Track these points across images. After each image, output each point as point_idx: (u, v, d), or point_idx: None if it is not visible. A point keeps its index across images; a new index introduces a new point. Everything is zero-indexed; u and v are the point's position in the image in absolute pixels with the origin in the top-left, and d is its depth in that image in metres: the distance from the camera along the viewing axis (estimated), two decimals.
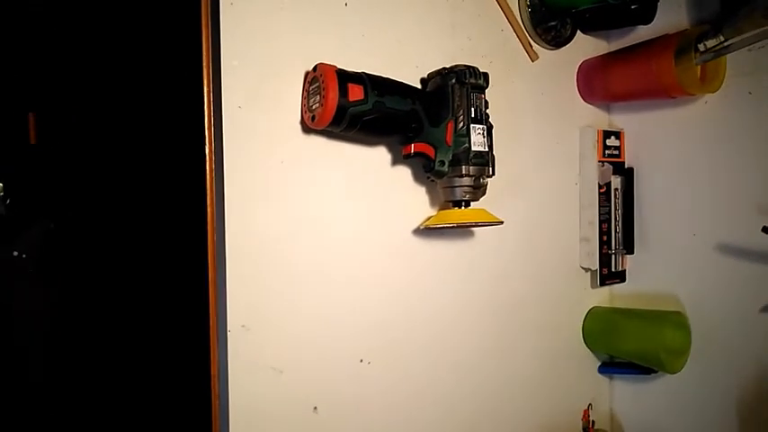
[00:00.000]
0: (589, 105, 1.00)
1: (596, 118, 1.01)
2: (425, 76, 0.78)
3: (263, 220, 0.66)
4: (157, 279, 1.11)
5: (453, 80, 0.73)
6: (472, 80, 0.73)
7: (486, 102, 0.75)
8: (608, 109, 1.03)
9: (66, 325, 1.21)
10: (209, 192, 0.64)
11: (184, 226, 0.76)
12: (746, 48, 0.79)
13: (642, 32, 0.95)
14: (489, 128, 0.75)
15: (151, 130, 1.12)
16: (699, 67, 0.86)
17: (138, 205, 1.16)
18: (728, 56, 0.84)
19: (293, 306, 0.68)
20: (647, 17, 0.92)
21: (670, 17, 0.93)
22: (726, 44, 0.79)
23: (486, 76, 0.75)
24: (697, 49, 0.81)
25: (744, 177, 0.88)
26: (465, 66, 0.74)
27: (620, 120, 1.03)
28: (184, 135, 0.69)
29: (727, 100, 0.89)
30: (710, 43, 0.80)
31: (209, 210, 0.64)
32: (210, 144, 0.64)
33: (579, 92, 0.99)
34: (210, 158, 0.64)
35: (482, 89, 0.75)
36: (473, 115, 0.73)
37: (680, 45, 0.83)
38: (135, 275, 1.16)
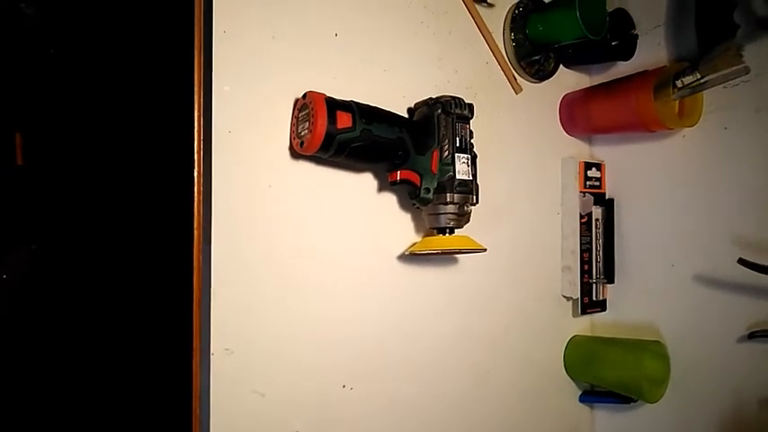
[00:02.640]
0: (571, 137, 1.03)
1: (578, 149, 1.04)
2: (412, 105, 0.79)
3: (250, 244, 0.67)
4: (142, 301, 1.10)
5: (439, 110, 0.75)
6: (458, 110, 0.75)
7: (471, 132, 0.77)
8: (590, 141, 1.06)
9: (47, 345, 1.19)
10: (196, 214, 0.65)
11: (170, 248, 0.76)
12: (722, 85, 0.82)
13: (623, 68, 0.98)
14: (474, 157, 0.77)
15: (140, 152, 1.13)
16: (677, 102, 0.88)
17: (123, 227, 1.16)
18: (705, 92, 0.87)
19: (277, 330, 0.69)
20: (627, 53, 0.96)
21: (649, 53, 0.97)
22: (702, 81, 0.82)
23: (471, 106, 0.77)
24: (675, 86, 0.84)
25: (721, 209, 0.91)
26: (451, 96, 0.76)
27: (602, 151, 1.05)
28: (173, 158, 0.70)
29: (704, 134, 0.92)
30: (688, 80, 0.83)
31: (195, 232, 0.65)
32: (199, 167, 0.65)
33: (562, 124, 1.01)
34: (199, 181, 0.65)
35: (467, 119, 0.77)
36: (458, 144, 0.75)
37: (659, 81, 0.86)
38: (118, 297, 1.15)
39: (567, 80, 1.01)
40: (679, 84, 0.83)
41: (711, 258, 0.91)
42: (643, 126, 0.90)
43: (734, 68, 0.77)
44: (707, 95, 0.90)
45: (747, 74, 0.76)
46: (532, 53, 0.94)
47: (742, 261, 0.83)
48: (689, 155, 0.94)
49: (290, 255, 0.70)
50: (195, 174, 0.65)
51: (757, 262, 0.81)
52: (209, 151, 0.64)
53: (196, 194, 0.65)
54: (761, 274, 0.81)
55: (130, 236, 1.11)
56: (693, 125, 0.91)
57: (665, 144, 0.97)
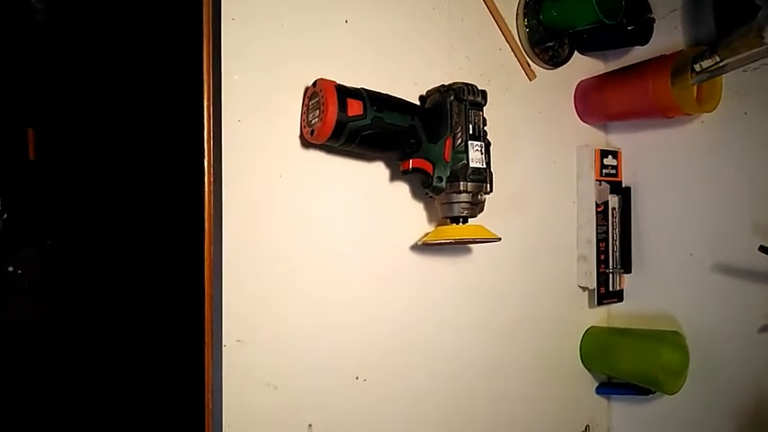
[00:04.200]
0: (586, 125, 1.01)
1: (593, 137, 1.02)
2: (424, 93, 0.78)
3: (261, 235, 0.66)
4: (153, 293, 1.10)
5: (452, 97, 0.74)
6: (470, 97, 0.74)
7: (485, 119, 0.75)
8: (605, 128, 1.04)
9: (61, 341, 1.19)
10: (206, 205, 0.64)
11: (181, 239, 0.75)
12: (741, 68, 0.80)
13: (639, 53, 0.96)
14: (487, 145, 0.76)
15: (150, 143, 1.13)
16: (695, 87, 0.86)
17: (135, 219, 1.16)
18: (724, 76, 0.85)
19: (289, 321, 0.68)
20: (643, 38, 0.93)
21: (666, 38, 0.94)
22: (721, 65, 0.79)
23: (484, 93, 0.76)
24: (693, 70, 0.82)
25: (740, 197, 0.89)
26: (463, 83, 0.74)
27: (618, 139, 1.03)
28: (183, 148, 0.69)
29: (723, 120, 0.90)
30: (706, 64, 0.80)
31: (206, 223, 0.64)
32: (210, 157, 0.64)
33: (576, 111, 0.99)
34: (209, 172, 0.64)
35: (480, 106, 0.75)
36: (471, 132, 0.74)
37: (676, 65, 0.84)
38: (131, 290, 1.16)
39: (582, 66, 0.99)
40: (697, 68, 0.81)
41: (730, 247, 0.89)
42: (660, 112, 0.88)
43: (755, 51, 0.74)
44: (726, 80, 0.88)
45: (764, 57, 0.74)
46: (546, 39, 0.92)
47: (763, 248, 0.81)
48: (708, 141, 0.92)
49: (302, 245, 0.69)
50: (205, 164, 0.64)
51: None
52: (219, 141, 0.63)
53: (206, 185, 0.64)
54: None
55: (142, 230, 1.12)
56: (712, 110, 0.88)
57: (683, 131, 0.95)
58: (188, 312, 0.69)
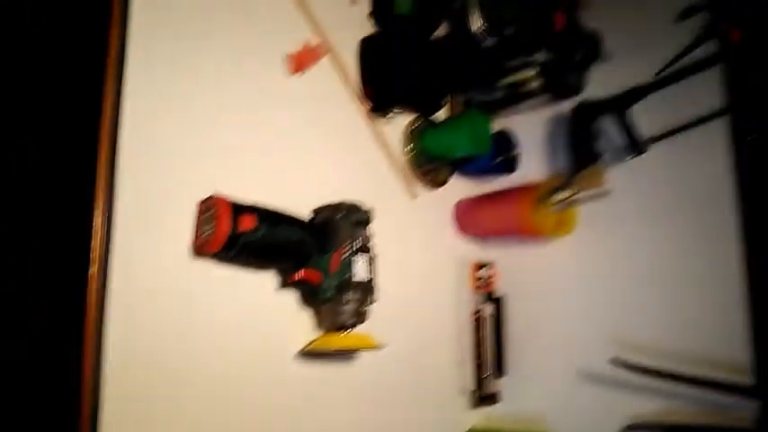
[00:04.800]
0: (465, 239, 1.11)
1: (471, 250, 1.12)
2: (315, 209, 0.84)
3: (146, 342, 0.66)
4: (31, 390, 1.01)
5: (340, 215, 0.80)
6: (357, 215, 0.81)
7: (370, 235, 0.82)
8: (481, 242, 1.14)
9: None
10: (90, 314, 0.64)
11: (62, 346, 0.73)
12: (589, 201, 0.93)
13: (510, 177, 1.10)
14: (372, 258, 0.82)
15: (36, 252, 1.08)
16: (555, 213, 0.99)
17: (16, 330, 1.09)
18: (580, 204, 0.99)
19: (170, 424, 0.67)
20: (510, 169, 1.07)
21: (531, 168, 1.09)
22: (573, 197, 0.93)
23: (369, 212, 0.83)
24: (551, 200, 0.95)
25: (598, 310, 1.01)
26: (351, 203, 0.81)
27: (493, 252, 1.14)
28: (70, 254, 0.69)
29: (580, 241, 1.03)
30: (561, 196, 0.93)
31: (88, 339, 0.63)
32: (98, 265, 0.64)
33: (455, 227, 1.10)
34: (95, 279, 0.64)
35: (366, 223, 0.82)
36: (357, 247, 0.80)
37: (538, 195, 0.96)
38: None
39: (461, 187, 1.11)
40: (555, 199, 0.94)
41: (592, 355, 0.99)
42: (526, 233, 1.00)
43: (597, 189, 0.88)
44: (582, 207, 1.02)
45: (608, 194, 0.88)
46: (427, 163, 1.02)
47: (616, 361, 0.91)
48: (569, 259, 1.05)
49: (188, 352, 0.70)
50: (91, 272, 0.64)
51: (630, 361, 0.90)
52: (107, 250, 0.64)
53: (92, 292, 0.64)
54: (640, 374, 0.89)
55: (23, 336, 1.05)
56: (569, 233, 1.01)
57: (548, 248, 1.07)
58: (65, 407, 0.66)
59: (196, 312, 0.71)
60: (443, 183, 1.06)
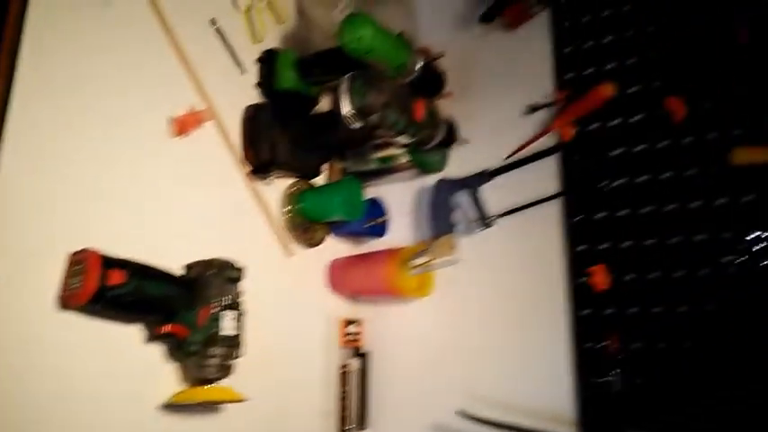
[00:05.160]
0: (336, 296, 1.18)
1: (342, 307, 1.19)
2: (188, 264, 0.88)
3: (7, 397, 0.66)
4: None
5: (212, 271, 0.84)
6: (229, 272, 0.86)
7: (241, 291, 0.87)
8: (352, 300, 1.22)
9: None
10: None
11: None
12: (444, 267, 1.05)
13: (381, 240, 1.20)
14: (241, 314, 0.87)
15: None
16: (416, 275, 1.09)
17: None
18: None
19: None
20: (380, 233, 1.17)
21: (399, 233, 1.20)
22: (430, 263, 1.04)
23: (241, 269, 0.88)
24: (412, 264, 1.05)
25: (450, 366, 1.10)
26: (224, 259, 0.86)
27: (362, 310, 1.22)
28: None
29: (439, 303, 1.13)
30: (420, 261, 1.04)
31: None
32: None
33: (328, 285, 1.17)
34: None
35: (237, 280, 0.87)
36: (226, 303, 0.84)
37: (400, 259, 1.06)
38: None
39: (336, 247, 1.19)
40: (414, 263, 1.05)
41: (446, 408, 1.07)
42: (390, 293, 1.09)
43: (450, 256, 1.00)
44: (440, 271, 1.13)
45: (458, 261, 0.99)
46: (304, 224, 1.10)
47: (462, 413, 1.01)
48: (425, 318, 1.15)
49: (51, 403, 0.70)
50: None
51: (475, 414, 0.99)
52: None
53: None
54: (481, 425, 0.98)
55: None
56: (428, 295, 1.12)
57: (411, 307, 1.17)
58: None
59: (60, 362, 0.72)
60: (319, 243, 1.13)
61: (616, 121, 1.02)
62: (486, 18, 1.14)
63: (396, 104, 0.88)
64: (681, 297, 0.91)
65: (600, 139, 1.02)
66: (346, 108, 0.86)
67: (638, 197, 0.98)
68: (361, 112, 0.86)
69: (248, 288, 0.88)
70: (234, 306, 0.86)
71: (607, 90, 0.99)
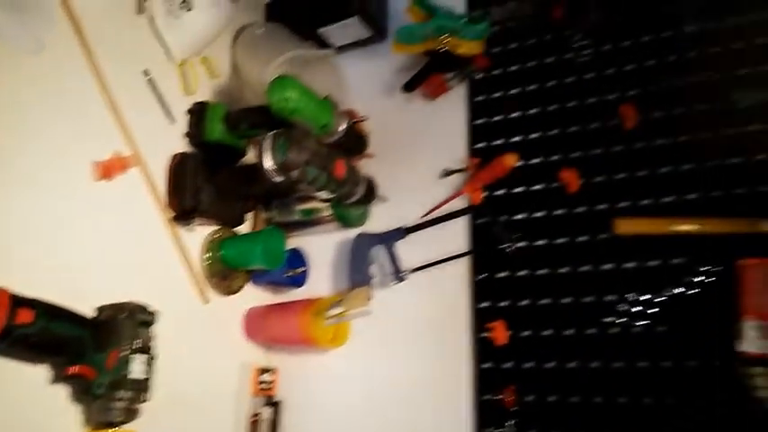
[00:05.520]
0: (253, 344, 1.20)
1: (258, 355, 1.21)
2: (99, 307, 0.88)
3: None
4: None
5: (124, 314, 0.85)
6: (141, 316, 0.87)
7: (152, 335, 0.88)
8: (267, 349, 1.24)
9: None
10: None
11: None
12: (358, 317, 1.09)
13: (299, 290, 1.24)
14: (152, 358, 0.87)
15: None
16: (332, 325, 1.13)
17: None
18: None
19: None
20: (299, 283, 1.21)
21: (317, 284, 1.24)
22: (344, 314, 1.08)
23: (154, 313, 0.89)
24: (326, 314, 1.09)
25: (364, 419, 1.13)
26: (136, 303, 0.87)
27: (277, 358, 1.23)
28: None
29: (353, 353, 1.17)
30: (334, 312, 1.08)
31: None
32: None
33: (245, 332, 1.18)
34: None
35: (149, 324, 0.88)
36: (137, 346, 0.85)
37: (317, 309, 1.10)
38: None
39: (255, 295, 1.21)
40: (329, 314, 1.09)
41: None
42: (305, 343, 1.12)
43: (362, 308, 1.04)
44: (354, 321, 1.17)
45: (370, 313, 1.05)
46: (224, 271, 1.12)
47: None
48: (340, 367, 1.18)
49: None
50: None
51: None
52: None
53: None
54: None
55: None
56: (341, 345, 1.15)
57: (325, 357, 1.19)
58: None
59: None
60: (237, 291, 1.15)
61: (519, 189, 1.12)
62: (408, 87, 1.23)
63: (316, 162, 0.94)
64: (570, 353, 0.99)
65: (505, 205, 1.12)
66: (268, 163, 0.91)
67: (536, 259, 1.07)
68: (282, 167, 0.91)
69: (161, 332, 0.90)
70: (144, 350, 0.86)
71: (510, 160, 1.09)
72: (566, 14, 1.14)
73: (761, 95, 0.96)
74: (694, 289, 0.94)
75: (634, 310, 0.96)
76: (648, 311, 0.95)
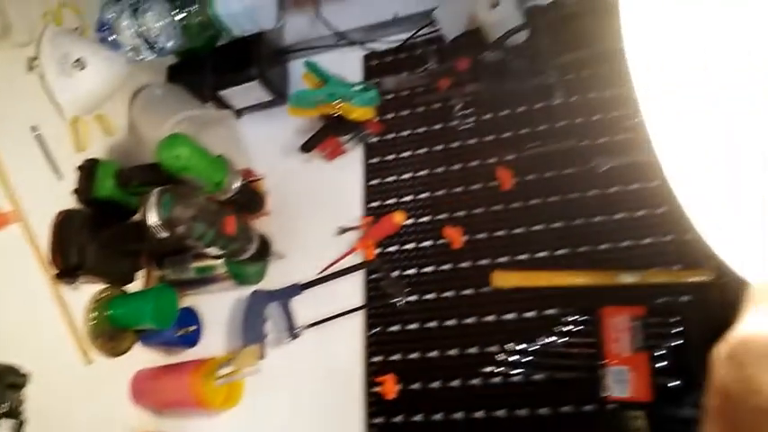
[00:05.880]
0: (141, 409, 1.15)
1: (147, 421, 1.15)
2: None
3: None
4: None
5: None
6: (10, 377, 0.83)
7: (23, 399, 0.84)
8: (157, 413, 1.19)
9: None
10: None
11: None
12: (249, 376, 1.08)
13: (193, 349, 1.21)
14: (21, 423, 0.83)
15: None
16: (224, 386, 1.11)
17: None
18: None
19: None
20: (192, 343, 1.19)
21: (214, 342, 1.22)
22: (236, 373, 1.06)
23: (26, 376, 0.85)
24: (218, 374, 1.07)
25: None
26: (6, 364, 0.83)
27: (169, 424, 1.18)
28: None
29: (246, 413, 1.14)
30: (224, 371, 1.07)
31: None
32: None
33: (132, 396, 1.13)
34: None
35: (20, 387, 0.84)
36: (4, 410, 0.81)
37: (206, 369, 1.08)
38: None
39: (144, 357, 1.17)
40: (219, 373, 1.07)
41: None
42: (195, 406, 1.09)
43: (253, 367, 1.04)
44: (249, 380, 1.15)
45: (259, 372, 1.04)
46: (111, 332, 1.08)
47: None
48: (233, 429, 1.15)
49: None
50: None
51: None
52: None
53: None
54: None
55: None
56: (234, 406, 1.13)
57: (218, 419, 1.16)
58: None
59: None
60: (125, 352, 1.11)
61: (410, 246, 1.17)
62: (306, 148, 1.28)
63: (204, 218, 0.95)
64: (456, 405, 1.02)
65: (397, 260, 1.16)
66: (153, 218, 0.91)
67: (425, 312, 1.11)
68: (167, 223, 0.91)
69: (36, 396, 0.85)
70: (13, 414, 0.82)
71: (399, 218, 1.15)
72: (451, 86, 1.24)
73: (617, 161, 1.07)
74: (564, 337, 1.00)
75: (512, 359, 1.01)
76: (523, 360, 1.00)
